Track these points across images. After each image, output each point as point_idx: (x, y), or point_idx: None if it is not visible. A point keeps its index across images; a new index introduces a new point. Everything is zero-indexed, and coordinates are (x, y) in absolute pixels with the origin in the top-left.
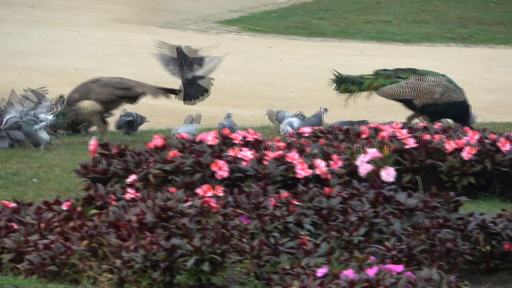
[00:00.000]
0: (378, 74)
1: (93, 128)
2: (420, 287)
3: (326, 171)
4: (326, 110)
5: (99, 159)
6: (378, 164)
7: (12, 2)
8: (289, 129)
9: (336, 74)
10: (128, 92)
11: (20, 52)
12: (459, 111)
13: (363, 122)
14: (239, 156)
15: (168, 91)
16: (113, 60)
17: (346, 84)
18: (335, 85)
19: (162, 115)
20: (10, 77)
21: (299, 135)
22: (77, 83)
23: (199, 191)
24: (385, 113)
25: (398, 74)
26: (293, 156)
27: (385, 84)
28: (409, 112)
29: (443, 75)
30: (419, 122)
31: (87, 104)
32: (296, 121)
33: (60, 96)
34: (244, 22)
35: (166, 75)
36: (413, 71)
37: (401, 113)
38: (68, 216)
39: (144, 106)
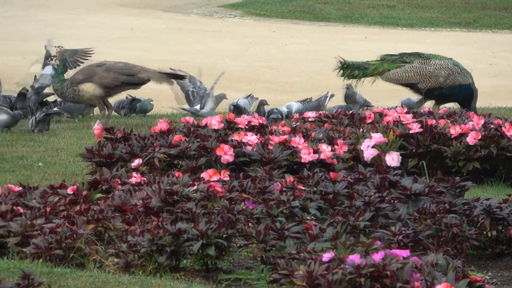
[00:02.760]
0: (383, 59)
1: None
2: (426, 272)
3: (331, 156)
4: (332, 95)
5: (104, 143)
6: (383, 149)
7: None
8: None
9: (341, 60)
10: (132, 79)
11: (21, 36)
12: (465, 95)
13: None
14: (244, 140)
15: (171, 76)
16: (116, 44)
17: (351, 70)
18: (340, 71)
19: (165, 99)
20: (12, 61)
21: (304, 119)
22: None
23: (204, 175)
24: (389, 98)
25: (403, 58)
26: (298, 141)
27: (390, 69)
28: (416, 96)
29: (450, 59)
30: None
31: (89, 87)
32: (295, 105)
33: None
34: (247, 6)
35: (168, 60)
36: (418, 55)
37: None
38: (74, 200)
39: (147, 90)
